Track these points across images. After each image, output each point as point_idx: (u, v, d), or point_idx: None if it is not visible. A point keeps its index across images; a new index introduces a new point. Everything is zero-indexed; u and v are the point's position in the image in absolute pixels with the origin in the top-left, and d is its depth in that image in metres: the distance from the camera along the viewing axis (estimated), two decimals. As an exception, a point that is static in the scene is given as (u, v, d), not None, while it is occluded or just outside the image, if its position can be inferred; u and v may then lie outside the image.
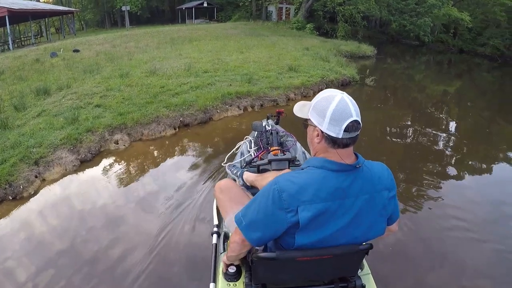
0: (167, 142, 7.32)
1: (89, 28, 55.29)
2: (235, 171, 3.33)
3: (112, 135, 7.01)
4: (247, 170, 3.17)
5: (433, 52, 35.75)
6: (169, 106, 8.15)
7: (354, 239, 1.95)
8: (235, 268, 2.44)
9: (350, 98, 1.87)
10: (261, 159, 3.43)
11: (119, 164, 6.33)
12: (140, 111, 7.81)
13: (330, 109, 1.81)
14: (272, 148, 3.47)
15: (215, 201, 3.75)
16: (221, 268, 2.51)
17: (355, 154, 1.94)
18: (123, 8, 37.23)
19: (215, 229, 3.32)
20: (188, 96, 8.91)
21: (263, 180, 2.72)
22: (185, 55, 15.09)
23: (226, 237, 2.92)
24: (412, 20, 32.17)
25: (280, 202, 1.80)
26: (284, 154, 3.16)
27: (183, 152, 7.04)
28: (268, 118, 4.86)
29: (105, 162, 6.39)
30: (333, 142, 1.84)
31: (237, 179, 3.15)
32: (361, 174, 1.92)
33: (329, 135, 1.83)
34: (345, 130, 1.79)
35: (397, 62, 26.13)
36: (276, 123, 4.81)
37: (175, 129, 7.73)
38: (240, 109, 9.21)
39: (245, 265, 2.40)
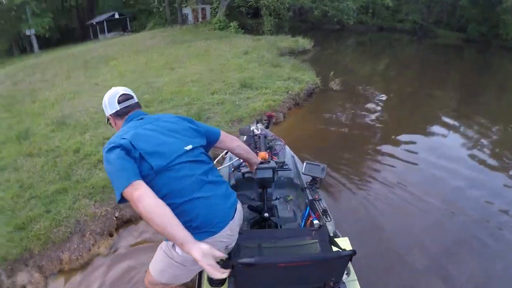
0: (103, 265, 4.02)
1: (-3, 59, 48.94)
2: None
3: (14, 275, 3.80)
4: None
5: (355, 34, 37.30)
6: (93, 193, 4.84)
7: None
8: None
9: (121, 87, 2.60)
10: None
11: None
12: (49, 214, 4.45)
13: (105, 99, 2.53)
14: (260, 153, 3.42)
15: None
16: (206, 274, 2.44)
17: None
18: (27, 33, 32.51)
19: None
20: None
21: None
22: (102, 83, 11.34)
23: None
24: (333, 5, 30.61)
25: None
26: (269, 162, 3.18)
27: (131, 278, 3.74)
28: (257, 122, 4.81)
29: None
30: (119, 115, 2.50)
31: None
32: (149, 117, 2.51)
33: (113, 113, 2.50)
34: (119, 103, 2.48)
35: (336, 52, 25.04)
36: (266, 127, 4.72)
37: (110, 235, 4.46)
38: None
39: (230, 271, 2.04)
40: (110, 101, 2.50)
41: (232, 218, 2.29)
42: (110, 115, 2.52)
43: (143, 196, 1.92)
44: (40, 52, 34.47)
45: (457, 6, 40.68)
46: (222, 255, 1.95)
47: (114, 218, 4.57)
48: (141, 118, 2.46)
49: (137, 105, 2.58)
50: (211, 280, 2.40)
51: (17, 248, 3.98)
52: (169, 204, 2.04)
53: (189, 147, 2.33)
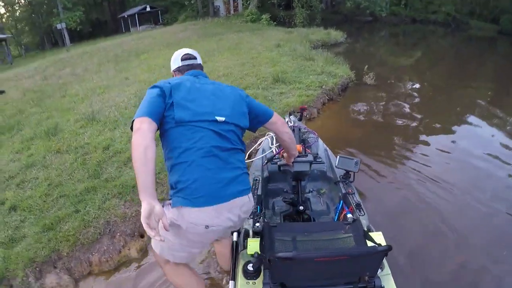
0: (133, 267, 3.90)
1: (29, 52, 49.06)
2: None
3: (42, 277, 3.68)
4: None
5: (388, 26, 36.50)
6: (123, 193, 4.66)
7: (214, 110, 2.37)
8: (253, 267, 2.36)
9: (188, 48, 2.87)
10: (283, 156, 3.32)
11: None
12: (78, 214, 4.31)
13: (172, 57, 2.80)
14: None
15: None
16: (241, 266, 2.42)
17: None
18: (59, 26, 32.80)
19: None
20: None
21: None
22: (133, 78, 11.23)
23: (246, 234, 2.82)
24: (366, -4, 30.01)
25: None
26: (307, 156, 3.21)
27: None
28: (290, 115, 4.68)
29: None
30: (180, 71, 2.74)
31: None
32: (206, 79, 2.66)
33: (175, 69, 2.77)
34: (182, 60, 2.74)
35: (369, 44, 24.26)
36: (299, 120, 4.69)
37: (141, 236, 4.28)
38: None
39: (264, 264, 2.19)
40: (175, 58, 2.78)
41: (226, 202, 2.23)
42: (173, 70, 2.80)
43: (139, 132, 2.03)
44: (72, 46, 34.85)
45: (491, -4, 39.73)
46: (167, 226, 1.98)
47: (145, 218, 4.40)
48: (197, 76, 2.63)
49: (199, 66, 2.81)
50: (245, 273, 2.36)
51: (45, 250, 3.86)
52: (170, 157, 2.28)
53: (221, 119, 2.37)
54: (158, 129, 2.24)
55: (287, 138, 2.87)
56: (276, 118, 2.74)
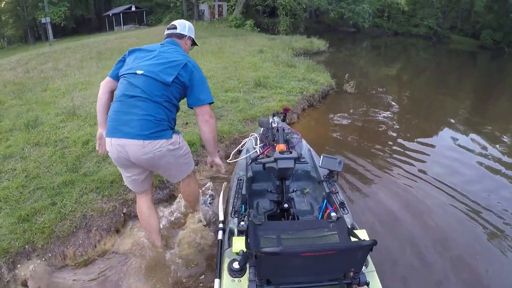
0: (108, 262, 3.83)
1: (12, 45, 48.28)
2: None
3: (15, 268, 3.60)
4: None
5: (370, 37, 36.64)
6: (101, 187, 4.61)
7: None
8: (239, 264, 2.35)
9: (180, 20, 3.39)
10: (267, 156, 3.53)
11: None
12: (55, 206, 4.25)
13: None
14: (278, 146, 3.54)
15: (221, 197, 3.71)
16: (226, 264, 2.44)
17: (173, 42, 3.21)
18: (43, 21, 32.39)
19: (221, 225, 3.06)
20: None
21: None
22: (115, 75, 11.09)
23: (231, 233, 2.81)
24: (350, 8, 30.36)
25: None
26: (291, 153, 3.19)
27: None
28: (274, 115, 4.79)
29: None
30: (164, 38, 3.30)
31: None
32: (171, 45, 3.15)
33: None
34: (167, 29, 3.30)
35: (351, 54, 24.58)
36: (283, 120, 4.79)
37: (117, 231, 4.26)
38: (212, 166, 5.81)
39: (250, 261, 2.18)
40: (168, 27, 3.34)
41: (115, 138, 2.85)
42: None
43: (101, 86, 3.21)
44: (55, 41, 34.38)
45: (472, 12, 40.43)
46: (104, 149, 3.16)
47: (122, 214, 4.38)
48: (165, 43, 3.17)
49: (176, 34, 3.26)
50: (231, 270, 2.38)
51: (20, 241, 3.79)
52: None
53: (140, 72, 2.87)
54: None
55: (202, 135, 3.26)
56: (201, 111, 3.04)
